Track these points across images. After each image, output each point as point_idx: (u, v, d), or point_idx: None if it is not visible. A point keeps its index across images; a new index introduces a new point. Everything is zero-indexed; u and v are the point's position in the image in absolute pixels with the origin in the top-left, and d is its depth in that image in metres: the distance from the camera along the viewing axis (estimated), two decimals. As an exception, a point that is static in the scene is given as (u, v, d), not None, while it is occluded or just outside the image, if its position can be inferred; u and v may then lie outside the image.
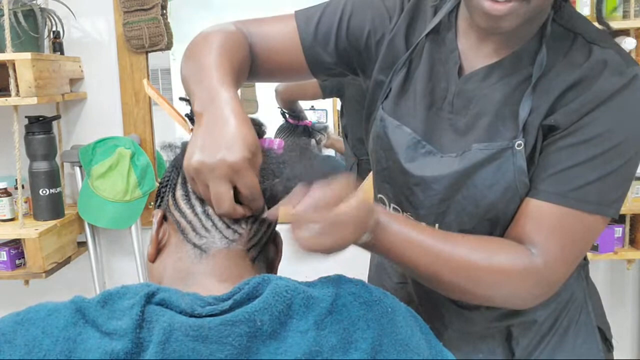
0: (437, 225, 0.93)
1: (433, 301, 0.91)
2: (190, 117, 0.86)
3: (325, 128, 2.75)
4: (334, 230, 0.71)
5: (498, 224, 0.90)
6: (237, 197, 0.73)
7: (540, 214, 0.85)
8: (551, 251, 0.84)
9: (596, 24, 0.92)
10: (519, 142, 0.86)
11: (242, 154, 0.70)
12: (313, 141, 2.59)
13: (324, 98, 2.59)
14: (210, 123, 0.73)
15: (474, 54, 0.92)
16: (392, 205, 1.00)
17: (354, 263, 1.28)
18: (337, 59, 1.01)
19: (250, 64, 0.98)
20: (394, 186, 0.98)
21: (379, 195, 1.04)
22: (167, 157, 0.83)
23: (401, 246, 0.83)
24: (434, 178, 0.91)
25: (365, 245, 0.82)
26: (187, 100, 0.87)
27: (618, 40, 1.82)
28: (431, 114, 0.94)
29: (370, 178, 1.09)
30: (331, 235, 0.71)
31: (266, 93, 2.60)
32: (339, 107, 2.69)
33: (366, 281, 0.81)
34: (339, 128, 2.86)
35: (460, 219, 0.91)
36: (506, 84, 0.89)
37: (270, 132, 2.72)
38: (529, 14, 0.81)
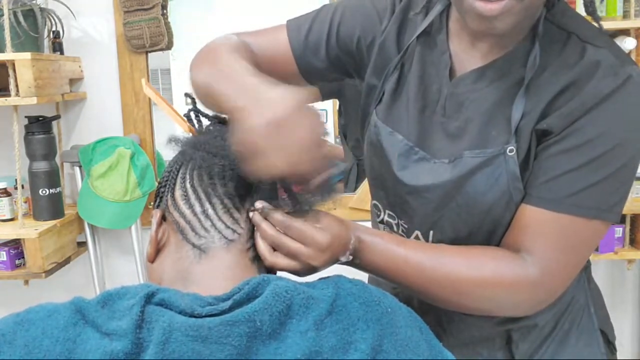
0: (431, 232, 0.93)
1: (431, 306, 0.91)
2: (189, 117, 0.86)
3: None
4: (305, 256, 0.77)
5: (495, 231, 0.89)
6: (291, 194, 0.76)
7: (536, 222, 0.84)
8: (549, 259, 0.84)
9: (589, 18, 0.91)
10: (511, 147, 0.84)
11: (303, 91, 0.72)
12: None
13: (322, 100, 2.59)
14: (256, 98, 0.73)
15: (466, 56, 0.91)
16: (386, 212, 0.99)
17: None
18: (329, 65, 1.01)
19: None
20: (387, 194, 0.97)
21: (374, 202, 1.03)
22: (172, 151, 0.83)
23: (387, 265, 0.84)
24: (426, 187, 0.90)
25: (350, 264, 0.83)
26: (193, 99, 0.87)
27: (618, 40, 1.83)
28: (424, 118, 0.93)
29: (366, 183, 1.09)
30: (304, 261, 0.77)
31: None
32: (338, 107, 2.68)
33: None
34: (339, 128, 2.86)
35: (456, 227, 0.90)
36: (498, 87, 0.87)
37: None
38: (524, 12, 0.79)
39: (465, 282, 0.84)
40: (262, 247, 0.76)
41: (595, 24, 0.89)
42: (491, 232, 0.89)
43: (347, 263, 0.83)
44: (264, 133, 0.69)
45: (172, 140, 0.82)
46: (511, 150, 0.84)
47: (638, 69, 0.83)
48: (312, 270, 0.78)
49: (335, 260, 0.80)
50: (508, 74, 0.87)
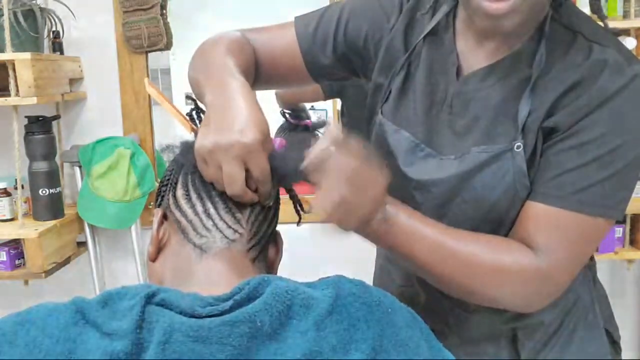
0: None
1: (437, 305, 0.90)
2: (192, 117, 0.86)
3: (324, 123, 2.74)
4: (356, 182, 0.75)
5: (500, 227, 0.89)
6: (247, 183, 0.74)
7: (542, 217, 0.85)
8: (555, 254, 0.84)
9: (594, 17, 0.91)
10: (518, 143, 0.85)
11: (255, 136, 0.72)
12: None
13: (325, 99, 2.58)
14: (223, 108, 0.75)
15: (473, 55, 0.91)
16: None
17: (357, 264, 1.28)
18: (336, 63, 1.01)
19: (255, 69, 0.99)
20: (393, 190, 0.97)
21: None
22: (167, 158, 0.84)
23: (408, 239, 0.83)
24: (433, 182, 0.90)
25: (372, 236, 0.82)
26: (194, 100, 0.88)
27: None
28: (430, 116, 0.93)
29: None
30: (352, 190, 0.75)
31: (266, 92, 2.60)
32: (339, 107, 2.68)
33: (371, 283, 0.81)
34: (340, 128, 2.85)
35: (461, 223, 0.90)
36: (505, 85, 0.88)
37: (271, 132, 2.71)
38: (530, 10, 0.80)
39: (484, 268, 0.84)
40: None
41: (601, 23, 0.90)
42: (495, 228, 0.89)
43: (368, 235, 0.82)
44: (209, 153, 0.73)
45: (169, 147, 0.82)
46: (518, 147, 0.85)
47: None
48: (342, 199, 0.76)
49: (378, 200, 0.79)
50: (514, 73, 0.88)
